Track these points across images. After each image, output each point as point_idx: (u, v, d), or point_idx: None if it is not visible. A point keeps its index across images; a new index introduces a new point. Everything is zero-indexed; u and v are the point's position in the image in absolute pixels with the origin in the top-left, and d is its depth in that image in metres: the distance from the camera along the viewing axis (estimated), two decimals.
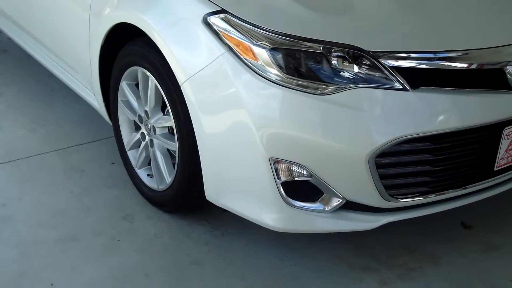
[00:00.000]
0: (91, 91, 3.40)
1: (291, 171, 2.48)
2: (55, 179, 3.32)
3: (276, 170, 2.48)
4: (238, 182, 2.58)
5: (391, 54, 2.44)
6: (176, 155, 2.79)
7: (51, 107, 4.05)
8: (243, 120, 2.47)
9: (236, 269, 2.74)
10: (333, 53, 2.44)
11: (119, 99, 3.13)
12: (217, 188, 2.66)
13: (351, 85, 2.41)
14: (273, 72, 2.43)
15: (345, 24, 2.58)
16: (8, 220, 2.99)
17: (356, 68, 2.43)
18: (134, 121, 3.11)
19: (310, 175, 2.47)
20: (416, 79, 2.45)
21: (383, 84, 2.42)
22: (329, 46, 2.43)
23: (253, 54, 2.46)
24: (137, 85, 3.02)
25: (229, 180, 2.60)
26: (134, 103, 3.05)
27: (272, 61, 2.44)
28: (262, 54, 2.45)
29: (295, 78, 2.42)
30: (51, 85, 4.28)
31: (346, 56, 2.43)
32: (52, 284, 2.63)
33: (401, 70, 2.43)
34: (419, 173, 2.52)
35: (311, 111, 2.42)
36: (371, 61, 2.43)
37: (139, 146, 3.09)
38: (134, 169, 3.14)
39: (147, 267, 2.73)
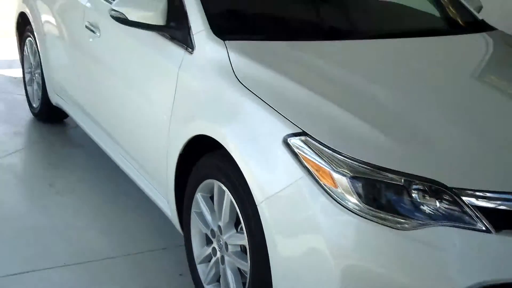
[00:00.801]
0: (164, 198, 3.41)
1: None
2: (122, 287, 3.28)
3: None
4: None
5: (475, 193, 2.38)
6: (248, 276, 2.75)
7: (122, 210, 4.06)
8: (319, 247, 2.42)
9: None
10: (414, 186, 2.39)
11: (193, 210, 3.12)
12: None
13: (432, 222, 2.35)
14: (352, 200, 2.40)
15: (427, 156, 2.52)
16: None
17: (437, 204, 2.38)
18: (206, 234, 3.09)
19: None
20: (500, 221, 2.37)
21: (465, 224, 2.35)
22: (410, 179, 2.39)
23: (333, 180, 2.44)
24: (212, 197, 3.01)
25: None
26: (208, 216, 3.04)
27: (351, 190, 2.41)
28: (342, 181, 2.42)
29: (374, 210, 2.38)
30: (124, 187, 4.27)
31: (428, 190, 2.38)
32: None
33: (484, 210, 2.36)
34: None
35: (389, 246, 2.36)
36: (453, 198, 2.37)
37: (209, 261, 3.06)
38: (202, 284, 3.09)
39: None
